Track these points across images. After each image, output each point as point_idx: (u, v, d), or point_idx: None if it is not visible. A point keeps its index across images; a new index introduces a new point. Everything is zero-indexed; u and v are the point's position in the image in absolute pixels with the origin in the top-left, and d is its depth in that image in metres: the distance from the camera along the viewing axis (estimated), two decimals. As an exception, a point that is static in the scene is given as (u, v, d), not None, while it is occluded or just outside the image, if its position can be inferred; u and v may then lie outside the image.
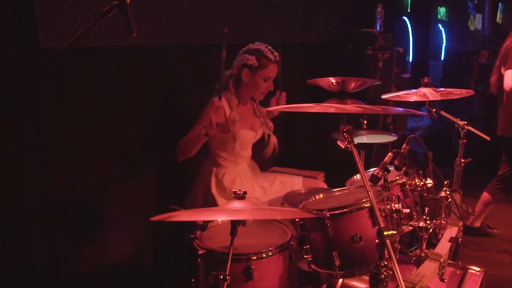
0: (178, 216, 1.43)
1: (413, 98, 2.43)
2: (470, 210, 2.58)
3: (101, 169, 2.42)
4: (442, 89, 2.53)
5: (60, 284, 2.32)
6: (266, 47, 2.37)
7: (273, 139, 2.61)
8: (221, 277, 1.44)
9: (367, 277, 1.48)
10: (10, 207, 2.07)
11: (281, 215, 1.80)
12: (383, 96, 2.58)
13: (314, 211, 1.72)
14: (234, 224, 1.50)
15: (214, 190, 2.43)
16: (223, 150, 2.44)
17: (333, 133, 2.91)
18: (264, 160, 2.73)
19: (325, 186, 2.76)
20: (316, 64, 4.04)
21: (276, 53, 2.38)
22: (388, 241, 1.35)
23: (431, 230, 1.81)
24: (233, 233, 1.49)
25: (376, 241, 1.38)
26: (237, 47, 2.45)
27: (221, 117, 2.13)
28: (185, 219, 1.42)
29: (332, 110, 1.52)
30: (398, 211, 1.73)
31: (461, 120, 2.57)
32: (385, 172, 1.87)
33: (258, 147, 2.63)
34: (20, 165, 2.08)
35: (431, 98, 2.42)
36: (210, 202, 2.41)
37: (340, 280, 1.85)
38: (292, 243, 1.80)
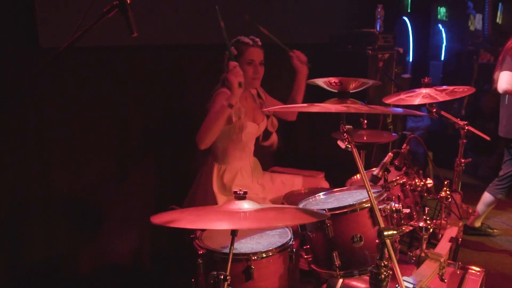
0: (178, 221, 1.42)
1: (417, 101, 2.42)
2: (470, 210, 2.58)
3: (101, 169, 2.42)
4: (444, 87, 2.53)
5: (60, 284, 2.32)
6: (246, 36, 2.43)
7: (274, 137, 2.64)
8: (221, 277, 1.44)
9: (367, 277, 1.48)
10: (10, 207, 2.07)
11: (283, 221, 1.79)
12: (386, 101, 2.57)
13: (316, 210, 1.72)
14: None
15: (215, 187, 2.43)
16: (229, 141, 2.42)
17: (333, 133, 2.91)
18: (264, 159, 2.73)
19: (326, 184, 2.76)
20: (316, 64, 4.04)
21: (256, 39, 2.45)
22: (388, 241, 1.35)
23: (431, 230, 1.81)
24: (233, 233, 1.49)
25: (376, 241, 1.38)
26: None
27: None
28: (185, 226, 1.42)
29: (315, 109, 1.52)
30: (398, 211, 1.73)
31: (461, 120, 2.57)
32: (385, 172, 1.87)
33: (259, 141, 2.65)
34: (20, 165, 2.08)
35: (440, 99, 2.41)
36: (210, 199, 2.40)
37: (340, 280, 1.85)
38: (292, 243, 1.80)
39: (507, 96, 3.35)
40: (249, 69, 2.43)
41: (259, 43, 2.45)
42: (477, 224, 3.67)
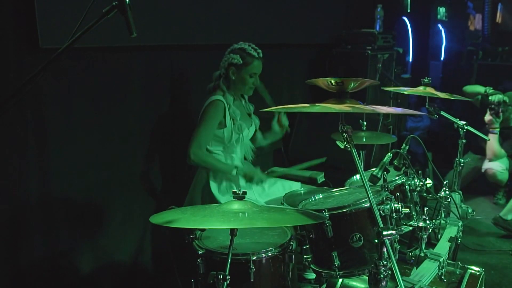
0: (178, 221, 1.43)
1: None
2: (469, 210, 2.58)
3: (101, 169, 2.42)
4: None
5: (60, 283, 2.32)
6: (249, 45, 2.44)
7: (258, 135, 2.69)
8: (221, 277, 1.45)
9: (367, 277, 1.48)
10: (10, 206, 2.07)
11: (283, 222, 1.79)
12: (384, 88, 2.57)
13: (314, 212, 1.72)
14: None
15: (212, 187, 2.43)
16: (224, 143, 2.45)
17: (333, 133, 2.90)
18: (264, 159, 2.73)
19: None
20: (316, 64, 4.05)
21: (259, 50, 2.45)
22: (387, 241, 1.36)
23: (430, 230, 1.81)
24: (233, 233, 1.49)
25: (376, 241, 1.38)
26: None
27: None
28: (185, 226, 1.42)
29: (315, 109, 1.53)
30: (397, 211, 1.73)
31: (460, 120, 2.57)
32: (385, 172, 1.88)
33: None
34: (20, 165, 2.08)
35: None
36: (208, 200, 2.41)
37: (340, 280, 1.86)
38: (291, 243, 1.80)
39: None
40: (250, 81, 2.46)
41: (261, 54, 2.45)
42: (510, 216, 3.54)
